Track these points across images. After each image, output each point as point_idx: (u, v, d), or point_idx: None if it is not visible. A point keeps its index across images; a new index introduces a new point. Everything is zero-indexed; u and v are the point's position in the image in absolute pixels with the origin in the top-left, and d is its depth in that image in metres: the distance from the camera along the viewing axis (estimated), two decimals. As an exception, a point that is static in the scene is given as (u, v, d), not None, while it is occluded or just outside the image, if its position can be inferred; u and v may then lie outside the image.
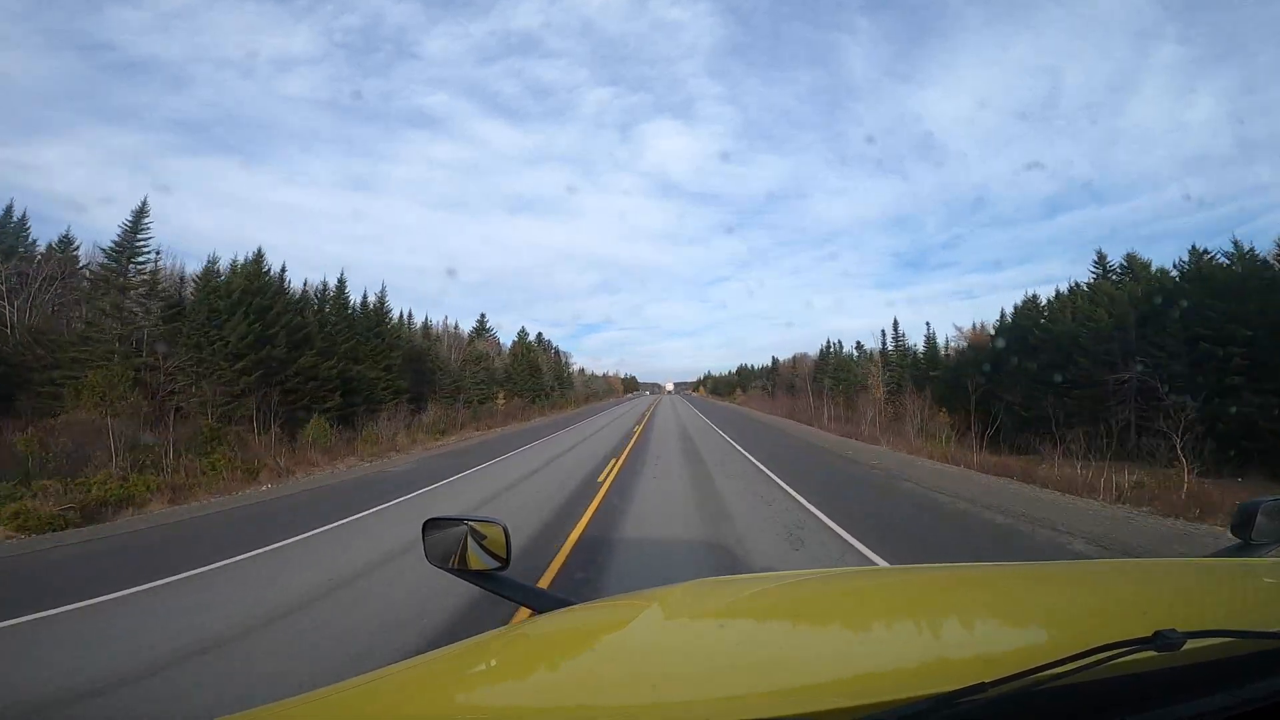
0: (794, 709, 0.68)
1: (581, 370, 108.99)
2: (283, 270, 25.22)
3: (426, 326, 42.58)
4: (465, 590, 4.66)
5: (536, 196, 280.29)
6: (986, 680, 0.65)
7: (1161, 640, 0.69)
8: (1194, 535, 7.43)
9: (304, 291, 27.46)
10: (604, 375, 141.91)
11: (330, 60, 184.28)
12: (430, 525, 1.52)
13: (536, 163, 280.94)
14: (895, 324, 47.91)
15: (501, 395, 39.80)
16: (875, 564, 6.21)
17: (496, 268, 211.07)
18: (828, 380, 42.12)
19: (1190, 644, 0.70)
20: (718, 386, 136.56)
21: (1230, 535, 1.51)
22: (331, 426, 20.49)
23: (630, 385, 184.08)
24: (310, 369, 22.89)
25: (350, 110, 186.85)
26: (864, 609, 1.27)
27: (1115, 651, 0.67)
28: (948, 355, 41.06)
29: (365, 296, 31.87)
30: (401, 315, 37.04)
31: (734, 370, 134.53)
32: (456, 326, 49.64)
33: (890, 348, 47.36)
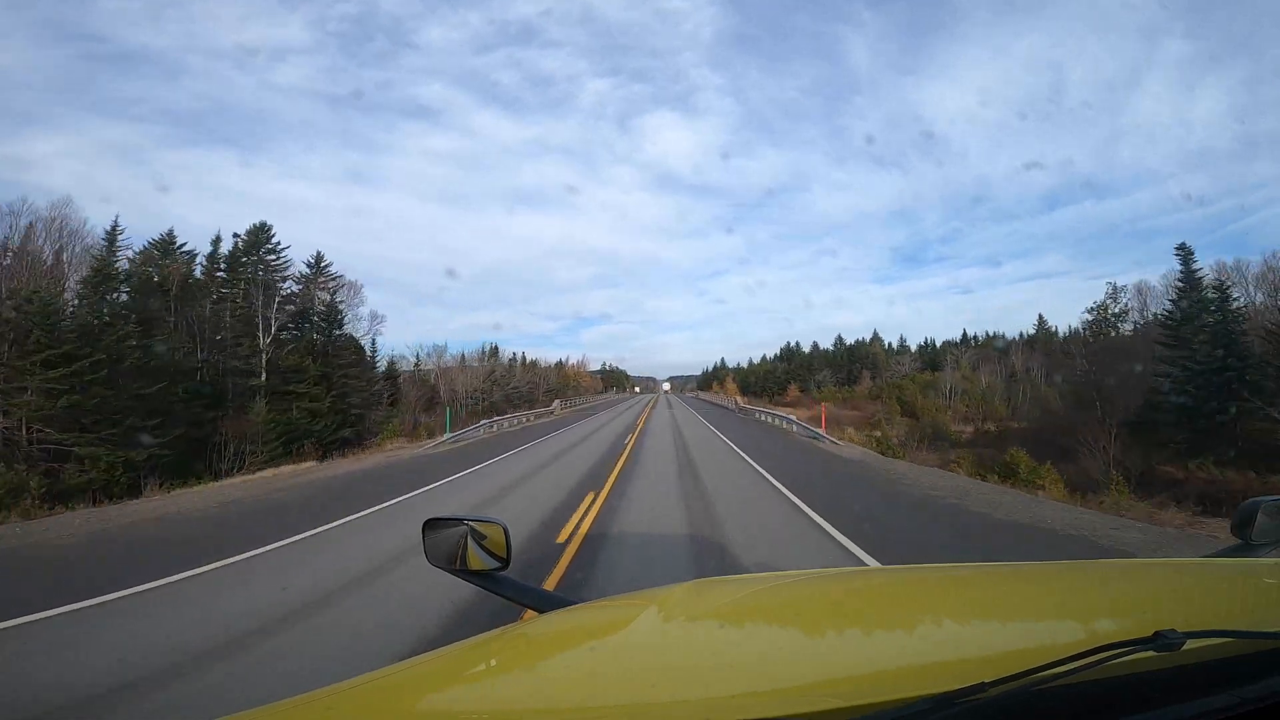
0: (794, 709, 0.68)
1: (514, 358, 69.17)
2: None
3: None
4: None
5: (534, 190, 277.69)
6: (986, 680, 0.65)
7: (1161, 640, 0.69)
8: None
9: None
10: (560, 363, 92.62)
11: (324, 50, 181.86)
12: (430, 525, 1.52)
13: (535, 155, 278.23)
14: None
15: None
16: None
17: (493, 262, 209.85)
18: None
19: (1190, 644, 0.70)
20: (747, 381, 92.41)
21: (1230, 535, 1.51)
22: None
23: (613, 381, 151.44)
24: None
25: (345, 101, 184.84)
26: (864, 609, 1.27)
27: (1115, 651, 0.67)
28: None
29: None
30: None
31: (775, 355, 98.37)
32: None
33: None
